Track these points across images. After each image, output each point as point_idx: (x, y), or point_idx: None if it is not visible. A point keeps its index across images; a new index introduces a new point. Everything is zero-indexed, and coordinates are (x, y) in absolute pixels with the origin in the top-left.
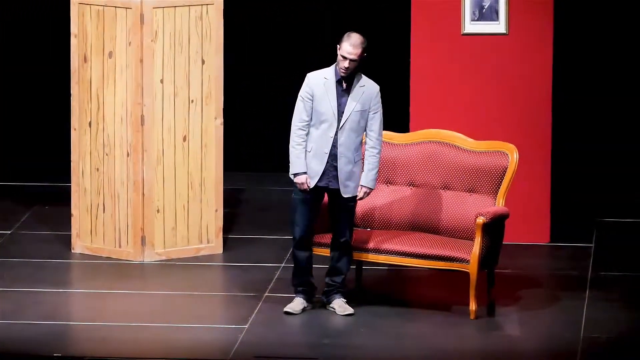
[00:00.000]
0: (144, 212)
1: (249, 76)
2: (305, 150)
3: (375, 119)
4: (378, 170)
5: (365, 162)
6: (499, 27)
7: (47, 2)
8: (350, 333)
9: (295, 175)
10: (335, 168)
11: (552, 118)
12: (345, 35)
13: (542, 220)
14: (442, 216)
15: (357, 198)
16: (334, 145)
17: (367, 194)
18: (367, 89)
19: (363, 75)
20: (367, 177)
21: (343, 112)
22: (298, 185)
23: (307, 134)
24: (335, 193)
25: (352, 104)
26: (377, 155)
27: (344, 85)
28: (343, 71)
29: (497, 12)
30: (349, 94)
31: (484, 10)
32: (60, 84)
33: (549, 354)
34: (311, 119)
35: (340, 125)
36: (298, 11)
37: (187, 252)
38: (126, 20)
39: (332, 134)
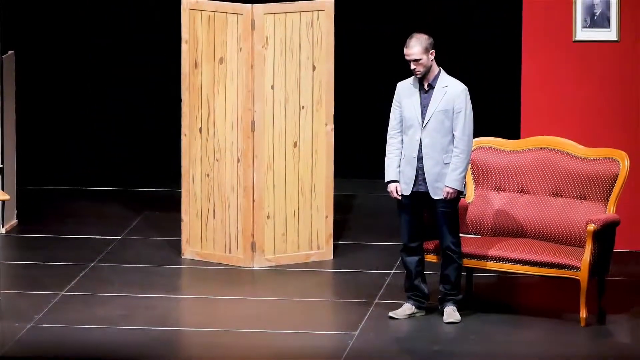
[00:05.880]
0: (254, 218)
1: (359, 82)
2: (400, 159)
3: (459, 119)
4: (464, 171)
5: (451, 162)
6: (610, 34)
7: (158, 7)
8: (461, 340)
9: (387, 184)
10: (425, 171)
11: None
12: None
13: None
14: (553, 223)
15: (443, 198)
16: (421, 149)
17: (450, 194)
18: (450, 88)
19: (447, 76)
20: (449, 177)
21: (425, 114)
22: (389, 194)
23: (401, 142)
24: (427, 196)
25: (434, 105)
26: (460, 155)
27: (426, 87)
28: (414, 73)
29: (608, 19)
30: (431, 96)
31: (595, 17)
32: (170, 90)
33: None
34: (402, 126)
35: (423, 127)
36: (408, 18)
37: (297, 258)
38: (237, 26)
39: (418, 137)
